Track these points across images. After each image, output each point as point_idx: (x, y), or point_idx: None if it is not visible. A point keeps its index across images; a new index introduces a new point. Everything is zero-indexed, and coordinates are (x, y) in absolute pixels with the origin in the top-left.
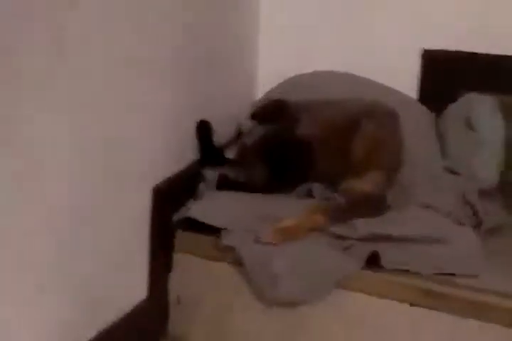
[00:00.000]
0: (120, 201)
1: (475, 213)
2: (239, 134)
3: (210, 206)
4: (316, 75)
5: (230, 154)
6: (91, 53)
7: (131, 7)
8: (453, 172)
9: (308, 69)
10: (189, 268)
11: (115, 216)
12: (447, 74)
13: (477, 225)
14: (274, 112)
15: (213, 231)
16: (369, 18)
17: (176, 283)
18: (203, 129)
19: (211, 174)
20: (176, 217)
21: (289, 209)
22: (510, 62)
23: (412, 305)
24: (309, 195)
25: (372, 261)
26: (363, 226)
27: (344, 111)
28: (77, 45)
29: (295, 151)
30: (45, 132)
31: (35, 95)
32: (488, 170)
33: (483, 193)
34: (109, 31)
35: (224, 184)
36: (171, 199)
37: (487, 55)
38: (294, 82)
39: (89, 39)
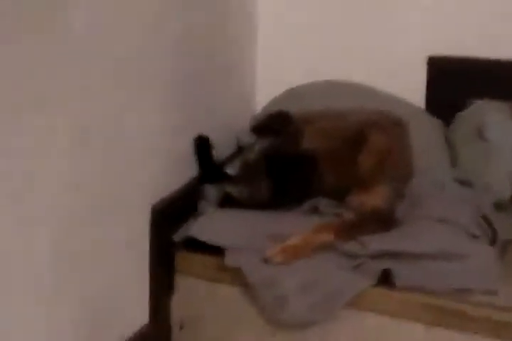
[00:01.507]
0: (118, 222)
1: (490, 226)
2: (239, 149)
3: (212, 224)
4: (317, 86)
5: (231, 170)
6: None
7: (123, 16)
8: (464, 183)
9: (309, 80)
10: (192, 291)
11: (113, 237)
12: (455, 82)
13: (492, 239)
14: (277, 125)
15: (216, 251)
16: (372, 25)
17: (179, 306)
18: (202, 145)
19: (212, 191)
20: (176, 237)
21: (295, 226)
22: None
23: (427, 324)
24: (315, 210)
25: (385, 279)
26: (374, 242)
27: (349, 122)
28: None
29: (300, 166)
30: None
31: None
32: (501, 182)
33: (497, 205)
34: (99, 41)
35: (226, 201)
36: (171, 219)
37: (495, 61)
38: (295, 93)
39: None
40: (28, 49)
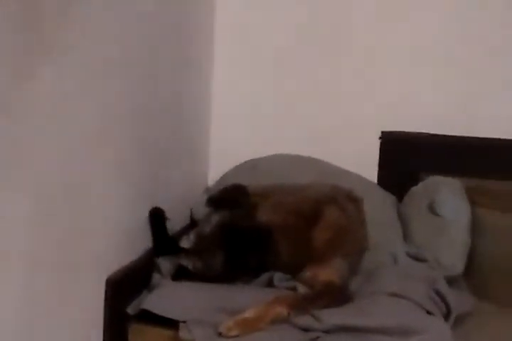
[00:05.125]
0: (73, 293)
1: (444, 301)
2: (194, 221)
3: (166, 297)
4: (271, 159)
5: (186, 243)
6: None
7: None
8: (416, 257)
9: (263, 155)
10: None
11: (68, 309)
12: (407, 157)
13: (447, 314)
14: (232, 198)
15: (171, 324)
16: (326, 100)
17: None
18: (156, 217)
19: (165, 263)
20: (130, 309)
21: (249, 299)
22: (472, 143)
23: None
24: (270, 284)
25: None
26: (329, 317)
27: (305, 196)
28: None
29: (255, 239)
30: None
31: None
32: (453, 257)
33: (450, 280)
34: (61, 120)
35: (180, 274)
36: (125, 291)
37: (447, 137)
38: (251, 166)
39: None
40: None
